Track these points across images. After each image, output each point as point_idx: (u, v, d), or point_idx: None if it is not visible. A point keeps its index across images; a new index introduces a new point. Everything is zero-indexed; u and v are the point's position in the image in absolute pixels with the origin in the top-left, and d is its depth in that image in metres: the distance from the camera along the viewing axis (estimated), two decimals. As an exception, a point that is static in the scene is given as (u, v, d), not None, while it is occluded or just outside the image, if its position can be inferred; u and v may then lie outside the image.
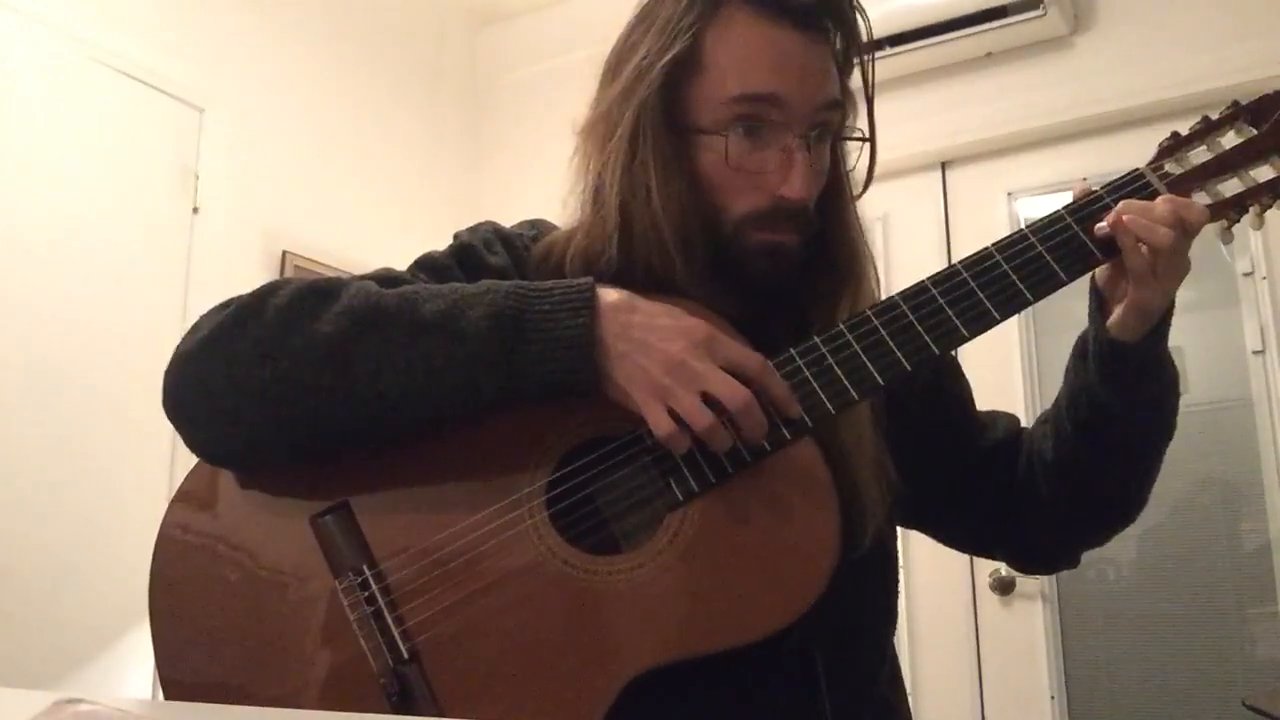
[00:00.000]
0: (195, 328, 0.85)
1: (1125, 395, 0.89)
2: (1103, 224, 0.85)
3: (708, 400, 0.77)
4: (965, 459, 1.00)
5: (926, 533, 1.06)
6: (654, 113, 0.87)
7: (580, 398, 0.79)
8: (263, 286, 0.85)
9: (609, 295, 0.80)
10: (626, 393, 0.78)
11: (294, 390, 0.79)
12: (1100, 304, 0.90)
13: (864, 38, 0.91)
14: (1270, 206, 0.88)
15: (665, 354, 0.77)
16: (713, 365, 0.77)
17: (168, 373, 0.84)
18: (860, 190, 0.95)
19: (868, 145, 0.93)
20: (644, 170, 0.87)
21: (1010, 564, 1.08)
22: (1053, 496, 0.96)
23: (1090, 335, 0.91)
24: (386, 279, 0.88)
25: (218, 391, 0.81)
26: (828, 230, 0.92)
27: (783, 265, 0.89)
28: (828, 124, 0.89)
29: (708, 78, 0.87)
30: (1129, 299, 0.85)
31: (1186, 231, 0.83)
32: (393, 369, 0.78)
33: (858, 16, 0.90)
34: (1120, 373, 0.88)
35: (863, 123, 0.94)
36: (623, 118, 0.89)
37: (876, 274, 0.95)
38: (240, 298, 0.85)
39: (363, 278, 0.88)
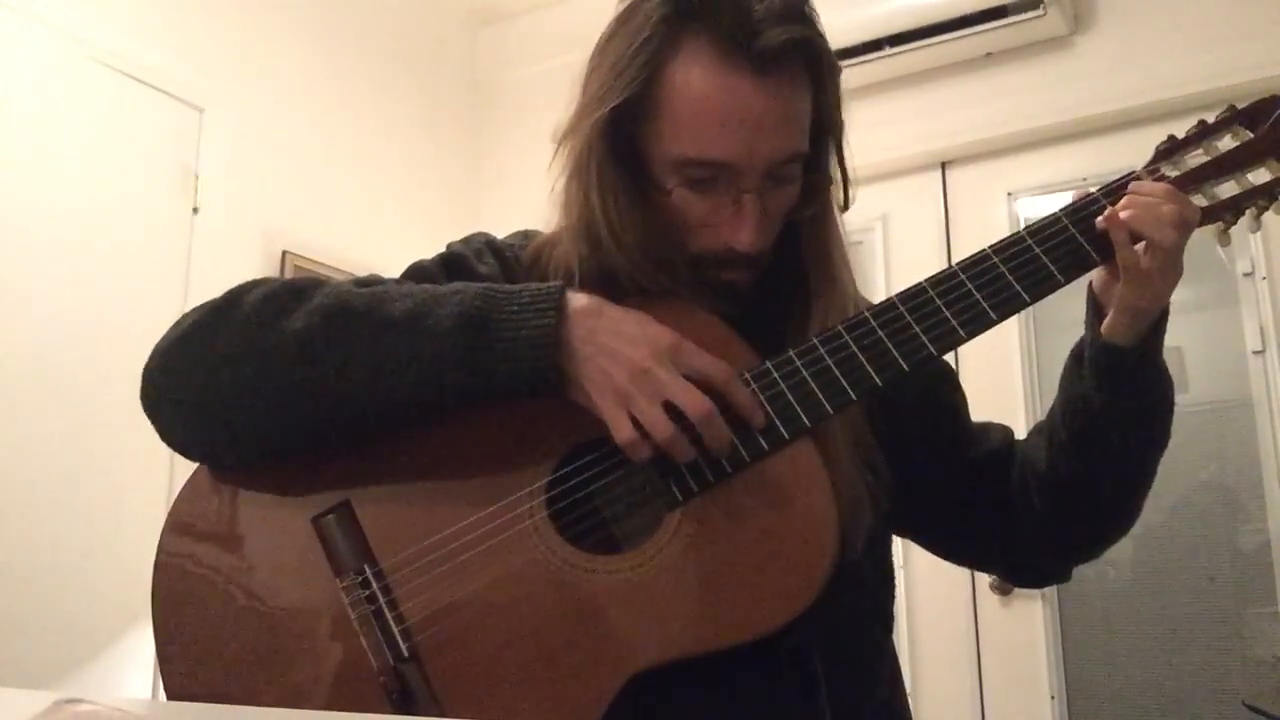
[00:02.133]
0: (173, 326, 0.86)
1: (1120, 400, 0.88)
2: (1100, 218, 0.85)
3: (672, 409, 0.76)
4: (958, 469, 0.99)
5: (919, 542, 1.05)
6: (601, 150, 0.86)
7: (545, 398, 0.79)
8: (238, 285, 0.86)
9: (578, 299, 0.80)
10: (589, 396, 0.78)
11: (264, 387, 0.80)
12: (1096, 311, 0.90)
13: (834, 69, 0.88)
14: (1267, 209, 0.88)
15: (629, 360, 0.77)
16: (676, 374, 0.77)
17: (145, 369, 0.85)
18: (843, 209, 0.94)
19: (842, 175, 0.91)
20: (600, 199, 0.87)
21: (1002, 576, 1.07)
22: (1046, 507, 0.95)
23: (1086, 341, 0.91)
24: (367, 281, 0.88)
25: (191, 387, 0.82)
26: (805, 246, 0.91)
27: (737, 300, 0.88)
28: (786, 175, 0.87)
29: (659, 127, 0.85)
30: (1120, 299, 0.85)
31: (1185, 224, 0.83)
32: (359, 366, 0.79)
33: (824, 53, 0.87)
34: (1115, 377, 0.88)
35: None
36: (577, 145, 0.88)
37: (854, 285, 0.93)
38: (215, 298, 0.85)
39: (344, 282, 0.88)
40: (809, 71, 0.86)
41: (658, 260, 0.87)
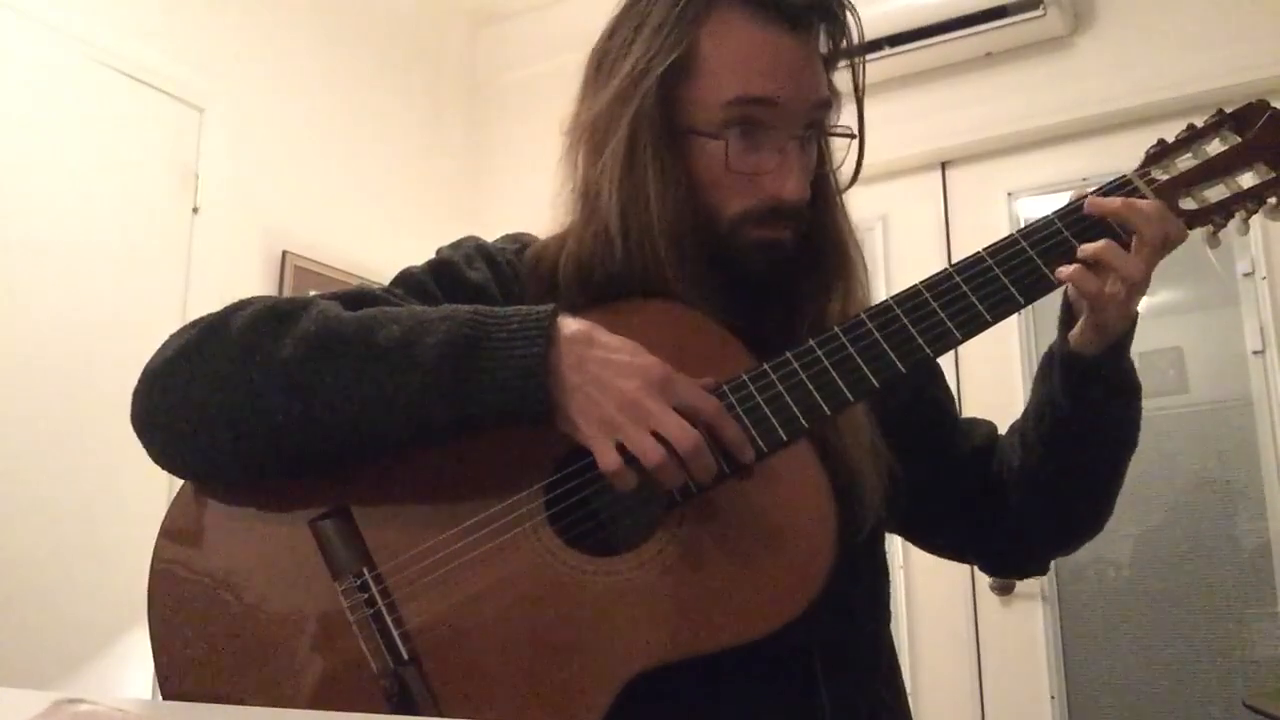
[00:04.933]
0: (163, 347, 0.85)
1: (1086, 406, 0.90)
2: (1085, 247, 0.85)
3: (658, 439, 0.75)
4: (944, 465, 1.01)
5: (903, 535, 1.07)
6: (652, 120, 0.88)
7: (534, 428, 0.78)
8: (227, 306, 0.85)
9: (569, 325, 0.79)
10: (575, 425, 0.77)
11: (251, 414, 0.79)
12: (1069, 315, 0.91)
13: (855, 35, 0.93)
14: (1255, 212, 0.89)
15: (619, 391, 0.76)
16: (666, 406, 0.76)
17: (135, 390, 0.84)
18: (848, 184, 0.96)
19: (857, 140, 0.94)
20: (643, 178, 0.87)
21: (981, 568, 1.09)
22: (1019, 503, 0.97)
23: (1055, 348, 0.92)
24: (357, 297, 0.87)
25: (179, 412, 0.81)
26: (817, 227, 0.93)
27: (777, 261, 0.90)
28: (818, 122, 0.91)
29: (704, 81, 0.88)
30: (1087, 318, 0.87)
31: (1168, 246, 0.84)
32: (346, 396, 0.78)
33: (848, 15, 0.92)
34: (1081, 384, 0.90)
35: (851, 116, 0.94)
36: (618, 124, 0.89)
37: (865, 269, 0.95)
38: (206, 317, 0.85)
39: (334, 296, 0.87)
40: (831, 32, 0.91)
41: (682, 245, 0.87)
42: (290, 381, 0.79)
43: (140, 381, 0.84)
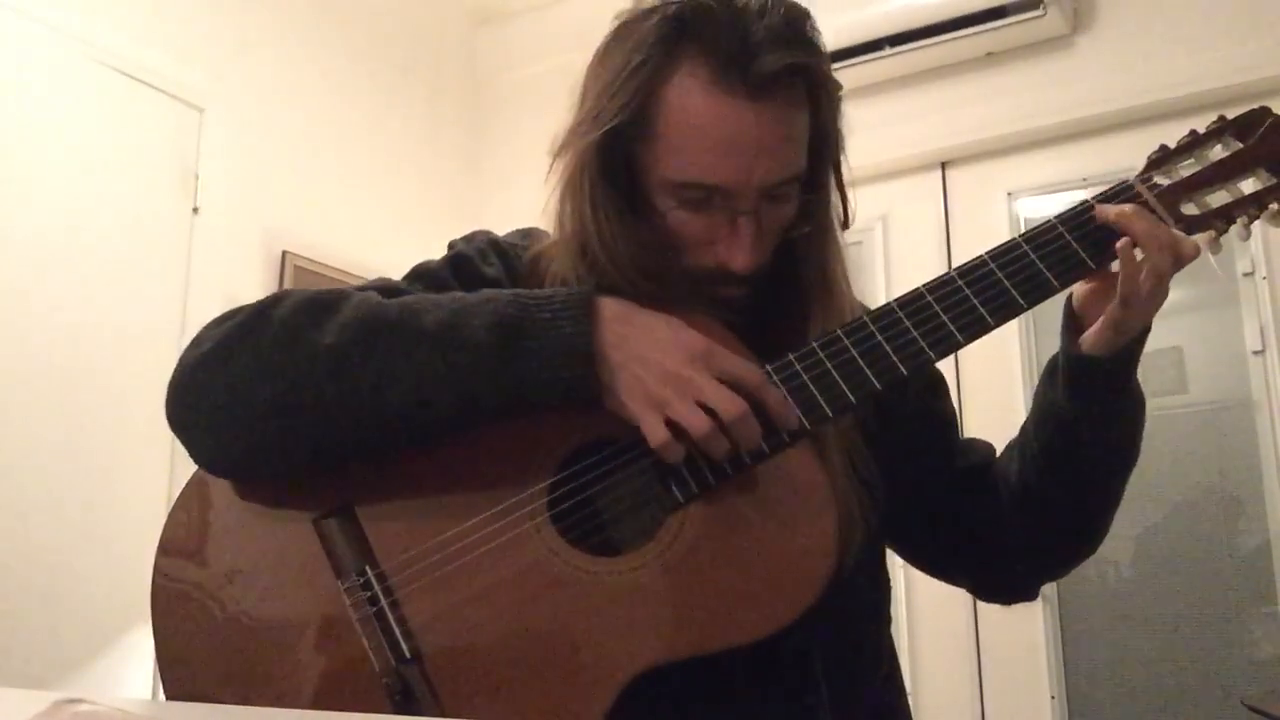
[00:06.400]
0: (198, 340, 0.85)
1: (1090, 411, 0.89)
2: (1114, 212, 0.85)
3: (704, 410, 0.76)
4: (940, 481, 1.00)
5: (895, 549, 1.05)
6: (595, 170, 0.86)
7: (580, 406, 0.79)
8: (265, 299, 0.85)
9: (609, 305, 0.80)
10: (622, 403, 0.78)
11: (298, 403, 0.79)
12: (1073, 324, 0.90)
13: (832, 91, 0.88)
14: (1257, 218, 0.89)
15: (663, 366, 0.77)
16: (710, 378, 0.77)
17: (171, 385, 0.84)
18: (843, 226, 0.93)
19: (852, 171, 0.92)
20: (594, 217, 0.87)
21: (970, 590, 1.06)
22: (1014, 519, 0.95)
23: (1060, 353, 0.91)
24: (386, 289, 0.88)
25: (222, 405, 0.81)
26: (800, 260, 0.91)
27: (732, 310, 0.88)
28: (783, 194, 0.87)
29: (655, 147, 0.85)
30: (1108, 316, 0.86)
31: (1181, 258, 0.84)
32: (395, 380, 0.78)
33: (823, 76, 0.86)
34: (1088, 388, 0.88)
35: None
36: (573, 161, 0.88)
37: (854, 300, 0.93)
38: (243, 309, 0.85)
39: (362, 288, 0.88)
40: (807, 92, 0.86)
41: (651, 275, 0.87)
42: (336, 368, 0.79)
43: (176, 376, 0.84)
